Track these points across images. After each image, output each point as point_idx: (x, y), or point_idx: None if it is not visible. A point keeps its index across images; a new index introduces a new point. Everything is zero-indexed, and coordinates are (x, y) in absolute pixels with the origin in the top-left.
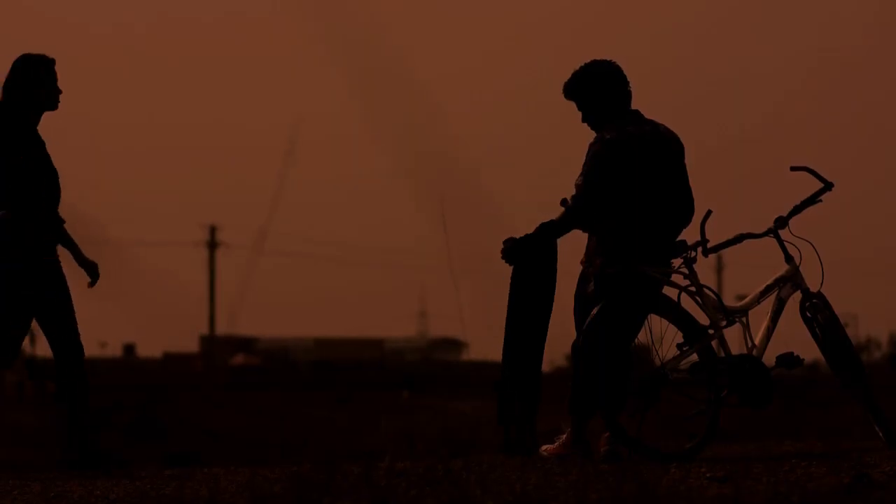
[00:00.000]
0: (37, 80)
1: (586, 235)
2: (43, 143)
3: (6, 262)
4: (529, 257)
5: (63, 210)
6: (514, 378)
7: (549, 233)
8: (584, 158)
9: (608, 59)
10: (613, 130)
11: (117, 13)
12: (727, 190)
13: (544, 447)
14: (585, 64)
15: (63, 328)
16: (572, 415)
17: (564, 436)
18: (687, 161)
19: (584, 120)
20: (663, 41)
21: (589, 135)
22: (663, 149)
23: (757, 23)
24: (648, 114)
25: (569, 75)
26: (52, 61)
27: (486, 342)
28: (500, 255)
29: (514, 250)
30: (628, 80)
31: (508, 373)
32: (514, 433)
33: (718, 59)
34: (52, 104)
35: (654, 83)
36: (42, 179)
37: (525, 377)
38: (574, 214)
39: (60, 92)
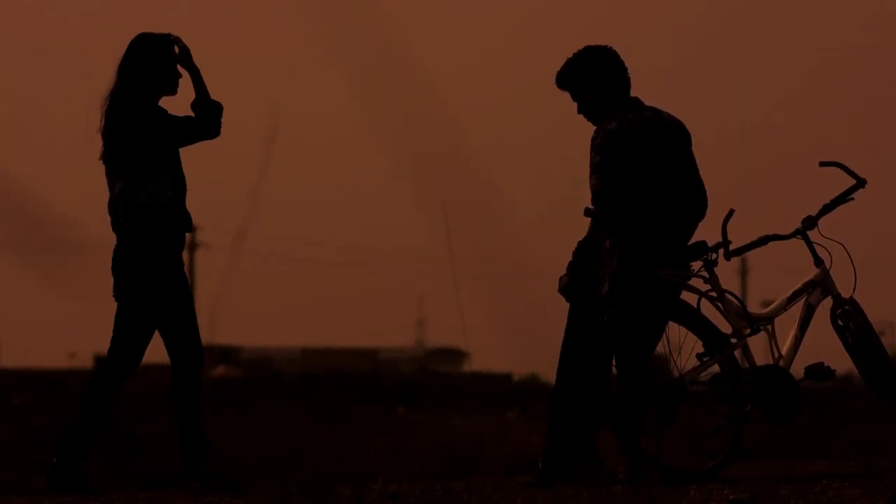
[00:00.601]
0: (157, 60)
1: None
2: (169, 125)
3: (141, 260)
4: (582, 282)
5: (41, 213)
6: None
7: (590, 249)
8: (588, 155)
9: (604, 44)
10: (614, 120)
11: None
12: (751, 188)
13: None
14: (579, 50)
15: (183, 329)
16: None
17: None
18: (709, 155)
19: (580, 111)
20: (663, 41)
21: (590, 130)
22: (669, 136)
23: (756, 24)
24: (681, 99)
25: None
26: (173, 40)
27: (488, 352)
28: (559, 292)
29: (571, 286)
30: (626, 66)
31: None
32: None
33: (718, 60)
34: (172, 88)
35: (654, 83)
36: (170, 164)
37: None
38: (605, 220)
39: (180, 75)
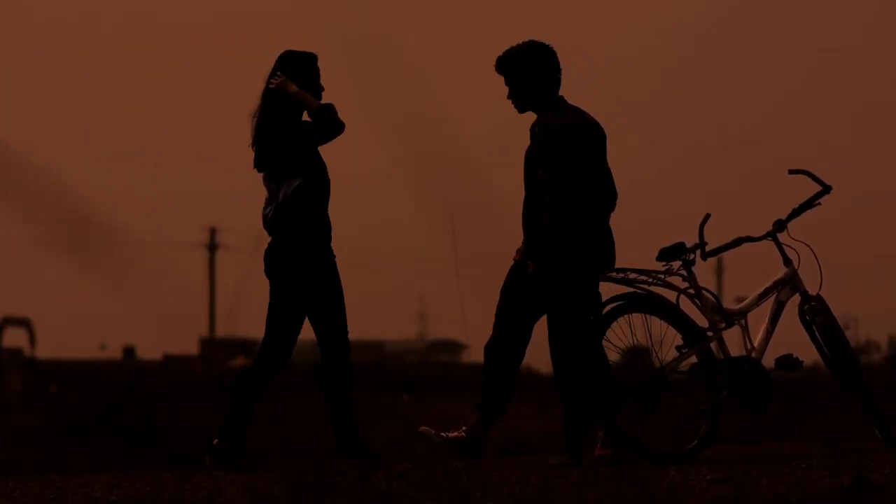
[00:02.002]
0: (301, 75)
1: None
2: (306, 133)
3: (294, 258)
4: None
5: (71, 210)
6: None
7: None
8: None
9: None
10: (553, 116)
11: (115, 12)
12: (726, 192)
13: (434, 431)
14: (527, 42)
15: (332, 322)
16: (479, 411)
17: (466, 427)
18: (687, 163)
19: (510, 97)
20: (663, 41)
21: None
22: (598, 136)
23: (756, 24)
24: (658, 110)
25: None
26: (316, 57)
27: (480, 346)
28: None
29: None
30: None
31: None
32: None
33: (718, 60)
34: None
35: (654, 83)
36: (313, 168)
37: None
38: (568, 212)
39: (323, 89)
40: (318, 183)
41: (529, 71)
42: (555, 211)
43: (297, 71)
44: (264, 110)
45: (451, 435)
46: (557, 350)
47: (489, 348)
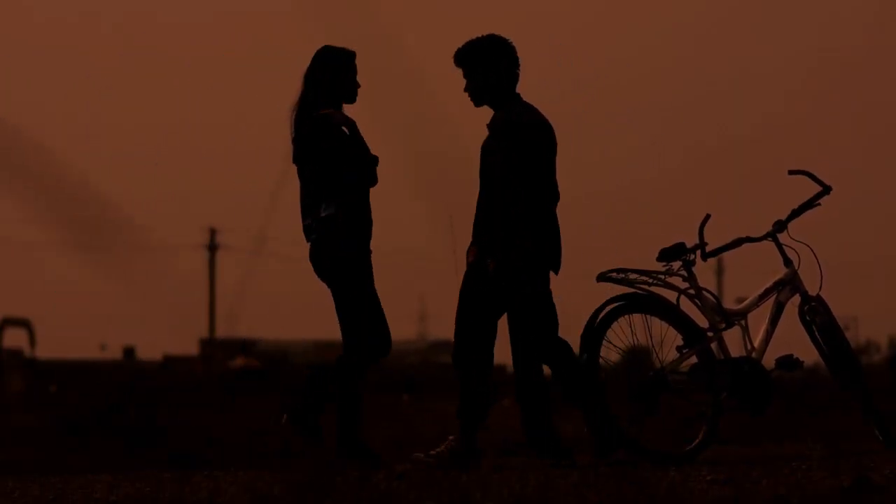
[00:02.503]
0: (338, 71)
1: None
2: (350, 141)
3: (351, 250)
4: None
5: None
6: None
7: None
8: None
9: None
10: (515, 112)
11: (115, 12)
12: (726, 193)
13: (423, 454)
14: (487, 35)
15: (379, 324)
16: (461, 419)
17: (452, 437)
18: (687, 163)
19: (466, 89)
20: (663, 42)
21: (582, 131)
22: (552, 135)
23: (756, 24)
24: (658, 110)
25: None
26: (353, 54)
27: None
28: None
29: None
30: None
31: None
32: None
33: (718, 60)
34: (351, 97)
35: (654, 84)
36: (360, 165)
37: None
38: (535, 208)
39: (359, 86)
40: (357, 195)
41: (488, 64)
42: (522, 207)
43: (334, 67)
44: (305, 103)
45: (440, 450)
46: (521, 350)
47: (457, 358)
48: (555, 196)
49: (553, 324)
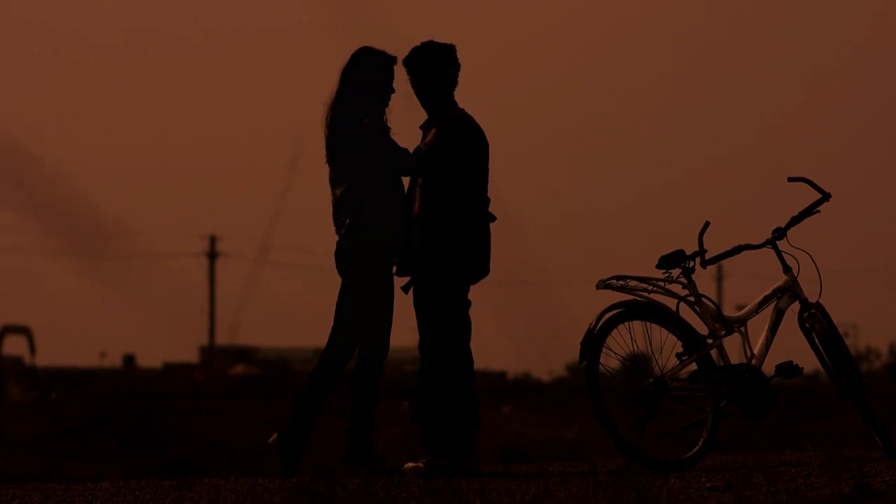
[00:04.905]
0: (373, 74)
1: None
2: (383, 144)
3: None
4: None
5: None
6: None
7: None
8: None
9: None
10: (463, 115)
11: (119, 25)
12: (725, 201)
13: (422, 465)
14: (429, 42)
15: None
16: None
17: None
18: (687, 172)
19: (416, 94)
20: (665, 55)
21: (584, 142)
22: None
23: (756, 34)
24: (659, 121)
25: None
26: (393, 59)
27: (485, 352)
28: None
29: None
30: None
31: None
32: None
33: (718, 71)
34: (384, 102)
35: (656, 95)
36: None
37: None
38: (482, 212)
39: (393, 91)
40: (391, 190)
41: (436, 70)
42: (473, 211)
43: (375, 69)
44: (340, 103)
45: (444, 462)
46: (430, 345)
47: (440, 371)
48: (487, 201)
49: (466, 333)
